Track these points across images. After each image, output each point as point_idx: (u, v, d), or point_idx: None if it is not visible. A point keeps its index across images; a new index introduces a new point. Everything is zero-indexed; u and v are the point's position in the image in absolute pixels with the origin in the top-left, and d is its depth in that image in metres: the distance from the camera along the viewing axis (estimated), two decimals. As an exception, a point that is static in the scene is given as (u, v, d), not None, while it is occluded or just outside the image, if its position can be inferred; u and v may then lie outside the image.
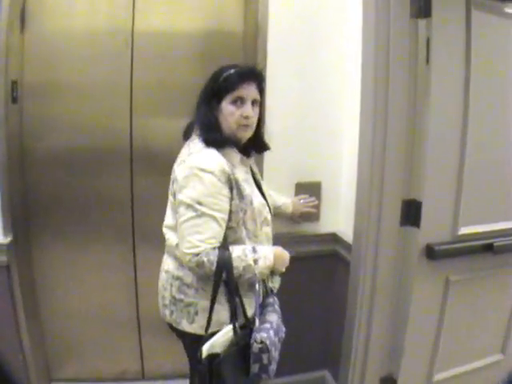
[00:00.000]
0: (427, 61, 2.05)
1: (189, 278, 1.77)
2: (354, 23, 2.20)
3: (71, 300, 2.63)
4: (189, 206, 1.64)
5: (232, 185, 1.69)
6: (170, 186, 1.79)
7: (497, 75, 2.21)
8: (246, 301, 1.78)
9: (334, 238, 2.48)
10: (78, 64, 2.39)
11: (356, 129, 2.19)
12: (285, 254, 1.87)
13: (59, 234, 2.54)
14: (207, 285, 1.73)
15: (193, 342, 1.78)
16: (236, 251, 1.69)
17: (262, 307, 1.86)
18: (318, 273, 2.52)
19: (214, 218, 1.65)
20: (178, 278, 1.80)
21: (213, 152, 1.69)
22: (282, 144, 2.24)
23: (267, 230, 1.88)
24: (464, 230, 2.24)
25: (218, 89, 1.74)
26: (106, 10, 2.35)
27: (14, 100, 2.35)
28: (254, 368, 1.70)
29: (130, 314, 2.68)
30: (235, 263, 1.67)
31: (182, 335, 1.85)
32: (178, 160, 1.77)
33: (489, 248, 2.26)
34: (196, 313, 1.77)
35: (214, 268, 1.65)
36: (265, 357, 1.69)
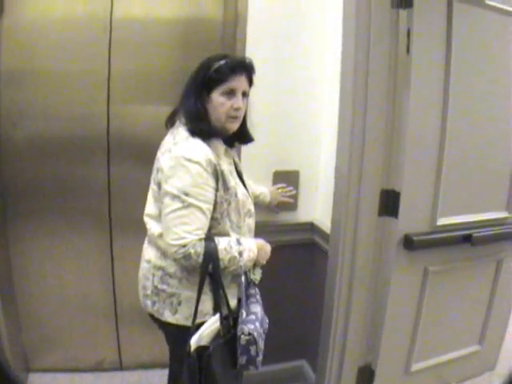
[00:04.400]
0: (408, 51, 2.03)
1: (172, 267, 1.74)
2: (335, 12, 2.18)
3: (48, 289, 2.61)
4: (175, 197, 1.61)
5: (218, 176, 1.66)
6: (154, 175, 1.76)
7: (478, 66, 2.21)
8: (228, 292, 1.76)
9: (311, 227, 2.48)
10: (55, 51, 2.34)
11: (335, 118, 2.17)
12: (267, 247, 1.87)
13: (35, 222, 2.51)
14: (191, 275, 1.72)
15: (175, 333, 1.79)
16: (222, 243, 1.68)
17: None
18: (297, 262, 2.51)
19: (201, 209, 1.62)
20: (160, 268, 1.77)
21: (199, 142, 1.67)
22: (260, 132, 2.20)
23: (250, 222, 1.87)
24: (442, 221, 2.24)
25: (208, 79, 1.71)
26: (84, -3, 2.30)
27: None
28: (242, 360, 1.70)
29: (108, 303, 2.66)
30: (221, 255, 1.66)
31: (164, 326, 1.83)
32: (162, 148, 1.74)
33: (467, 239, 2.27)
34: (179, 303, 1.75)
35: (200, 260, 1.63)
36: (252, 349, 1.69)
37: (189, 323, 1.71)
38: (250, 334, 1.68)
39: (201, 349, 1.65)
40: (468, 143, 2.25)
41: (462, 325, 2.58)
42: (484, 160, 2.33)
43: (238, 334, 1.69)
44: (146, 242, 1.89)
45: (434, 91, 2.11)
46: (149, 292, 1.81)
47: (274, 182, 2.38)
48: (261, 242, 1.85)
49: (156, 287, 1.78)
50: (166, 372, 2.17)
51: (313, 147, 2.41)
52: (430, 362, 2.53)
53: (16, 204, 2.47)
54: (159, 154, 1.75)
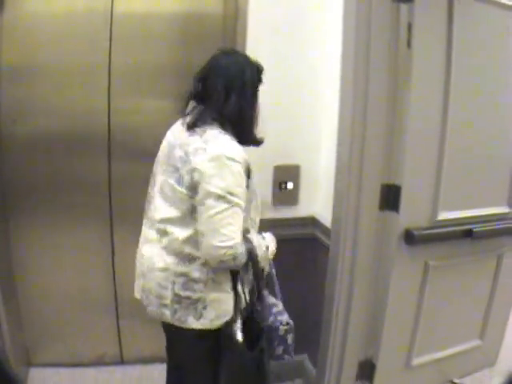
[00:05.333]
0: (408, 45, 2.03)
1: (196, 272, 1.66)
2: (336, 5, 2.18)
3: (49, 283, 2.61)
4: (220, 197, 1.54)
5: (249, 174, 1.65)
6: (178, 177, 1.63)
7: (479, 60, 2.21)
8: (247, 286, 1.77)
9: (312, 221, 2.48)
10: (55, 46, 2.35)
11: (336, 112, 2.17)
12: (275, 240, 1.87)
13: (36, 217, 2.52)
14: (218, 275, 1.68)
15: (195, 338, 1.73)
16: (255, 240, 1.69)
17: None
18: (297, 257, 2.51)
19: (241, 209, 1.59)
20: (182, 275, 1.67)
21: (232, 139, 1.64)
22: (260, 126, 2.22)
23: (258, 218, 1.86)
24: (443, 216, 2.25)
25: (257, 83, 1.74)
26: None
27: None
28: (278, 350, 1.75)
29: (108, 297, 2.67)
30: (258, 252, 1.68)
31: (182, 332, 1.73)
32: (190, 148, 1.61)
33: (468, 234, 2.28)
34: (204, 307, 1.69)
35: (244, 260, 1.62)
36: (290, 337, 1.76)
37: (213, 326, 1.69)
38: (287, 323, 1.76)
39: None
40: (469, 138, 2.25)
41: (462, 319, 2.58)
42: (485, 155, 2.33)
43: (276, 324, 1.74)
44: (154, 248, 1.74)
45: (435, 85, 2.11)
46: (168, 301, 1.69)
47: (275, 176, 2.38)
48: (271, 235, 1.86)
49: (178, 295, 1.68)
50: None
51: (313, 141, 2.41)
52: (431, 357, 2.53)
53: (16, 199, 2.48)
54: (190, 155, 1.61)
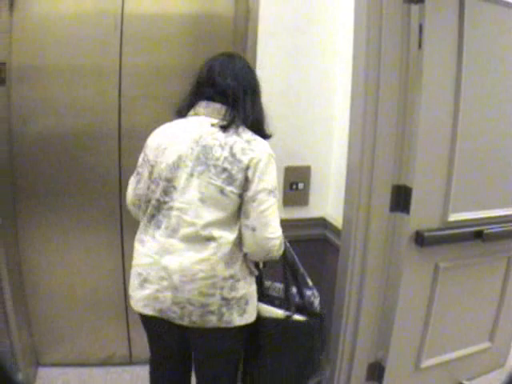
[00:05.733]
0: (419, 46, 2.03)
1: (238, 271, 1.71)
2: (347, 6, 2.18)
3: (58, 284, 2.63)
4: (270, 192, 1.65)
5: None
6: (227, 177, 1.63)
7: (490, 60, 2.20)
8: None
9: (323, 222, 2.48)
10: (66, 46, 2.36)
11: (347, 113, 2.17)
12: None
13: (46, 217, 2.53)
14: (251, 269, 1.78)
15: (237, 333, 1.78)
16: None
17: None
18: (308, 257, 2.48)
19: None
20: (230, 278, 1.68)
21: None
22: (271, 127, 2.24)
23: None
24: (454, 217, 2.23)
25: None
26: (95, -8, 2.32)
27: (2, 82, 2.32)
28: None
29: (118, 297, 2.67)
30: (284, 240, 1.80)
31: (226, 332, 1.75)
32: (236, 148, 1.64)
33: (479, 235, 2.26)
34: (246, 303, 1.74)
35: (283, 248, 1.77)
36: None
37: (254, 318, 1.79)
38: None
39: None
40: (480, 139, 2.24)
41: (472, 321, 2.57)
42: (496, 156, 2.32)
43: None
44: (186, 258, 1.67)
45: (446, 86, 2.10)
46: (215, 307, 1.68)
47: (286, 177, 2.38)
48: None
49: (226, 298, 1.69)
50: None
51: (324, 142, 2.41)
52: (441, 359, 2.52)
53: (27, 199, 2.49)
54: (238, 155, 1.64)
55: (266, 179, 1.64)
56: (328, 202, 2.47)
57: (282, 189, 2.41)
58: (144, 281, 1.73)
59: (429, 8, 1.98)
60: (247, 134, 1.69)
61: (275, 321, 1.89)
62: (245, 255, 1.72)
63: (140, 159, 1.80)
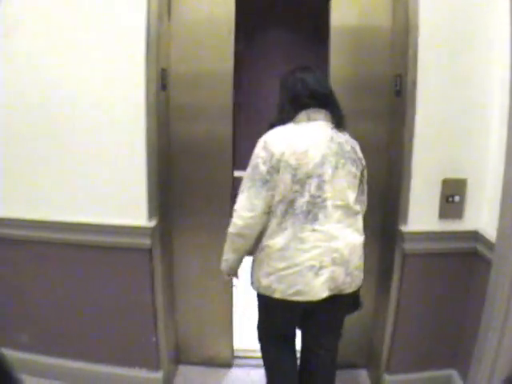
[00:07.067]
0: None
1: None
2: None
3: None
4: None
5: None
6: (356, 165, 2.05)
7: None
8: None
9: (475, 235, 2.43)
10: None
11: (504, 126, 2.12)
12: None
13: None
14: None
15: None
16: None
17: None
18: (454, 270, 2.49)
19: None
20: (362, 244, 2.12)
21: None
22: (429, 140, 2.33)
23: None
24: None
25: None
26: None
27: (164, 87, 2.42)
28: None
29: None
30: None
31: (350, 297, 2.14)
32: (351, 144, 2.06)
33: None
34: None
35: None
36: None
37: None
38: None
39: None
40: None
41: None
42: None
43: None
44: (346, 239, 2.02)
45: None
46: (358, 272, 2.11)
47: (443, 190, 2.37)
48: None
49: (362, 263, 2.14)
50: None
51: (481, 156, 2.37)
52: None
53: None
54: (356, 148, 2.08)
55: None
56: (482, 216, 2.42)
57: (439, 201, 2.40)
58: (319, 269, 1.97)
59: None
60: (345, 132, 2.09)
61: None
62: None
63: (262, 169, 1.96)
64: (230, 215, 2.04)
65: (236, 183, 2.28)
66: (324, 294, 1.98)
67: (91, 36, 2.35)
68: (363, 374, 2.84)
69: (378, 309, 2.72)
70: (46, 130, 2.45)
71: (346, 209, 2.00)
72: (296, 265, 1.95)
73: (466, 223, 2.44)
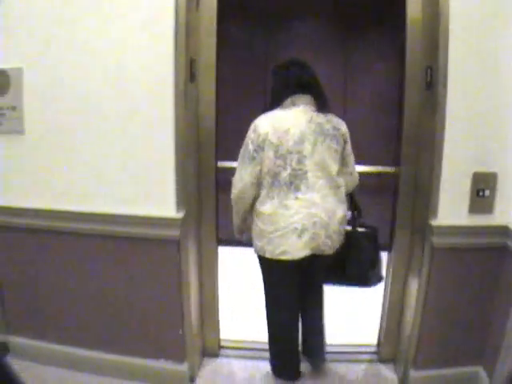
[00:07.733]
0: None
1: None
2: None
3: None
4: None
5: None
6: (336, 140, 2.36)
7: None
8: None
9: (505, 231, 2.39)
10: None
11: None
12: None
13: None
14: None
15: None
16: None
17: None
18: (483, 266, 2.46)
19: None
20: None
21: None
22: (459, 133, 2.33)
23: None
24: None
25: None
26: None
27: (193, 78, 2.42)
28: None
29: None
30: None
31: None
32: (333, 123, 2.40)
33: None
34: None
35: None
36: None
37: None
38: None
39: None
40: None
41: None
42: None
43: None
44: (325, 204, 2.35)
45: None
46: (342, 237, 2.51)
47: (474, 183, 2.35)
48: None
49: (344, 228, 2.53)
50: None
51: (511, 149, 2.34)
52: None
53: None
54: (338, 126, 2.40)
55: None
56: (513, 210, 2.40)
57: (469, 195, 2.38)
58: (301, 231, 2.31)
59: None
60: (329, 115, 2.40)
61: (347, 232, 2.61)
62: None
63: (250, 147, 2.32)
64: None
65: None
66: (305, 252, 2.34)
67: (117, 26, 2.38)
68: (390, 369, 2.84)
69: (406, 303, 2.71)
70: (80, 120, 2.50)
71: (328, 180, 2.35)
72: (282, 228, 2.31)
73: (496, 218, 2.41)
